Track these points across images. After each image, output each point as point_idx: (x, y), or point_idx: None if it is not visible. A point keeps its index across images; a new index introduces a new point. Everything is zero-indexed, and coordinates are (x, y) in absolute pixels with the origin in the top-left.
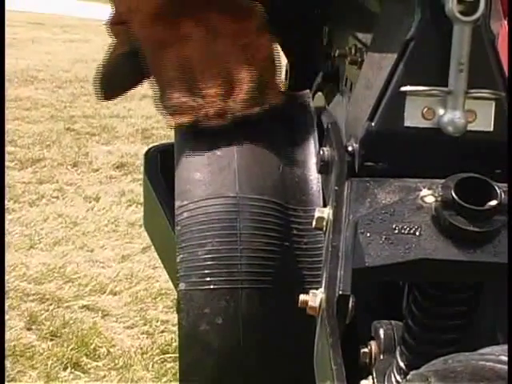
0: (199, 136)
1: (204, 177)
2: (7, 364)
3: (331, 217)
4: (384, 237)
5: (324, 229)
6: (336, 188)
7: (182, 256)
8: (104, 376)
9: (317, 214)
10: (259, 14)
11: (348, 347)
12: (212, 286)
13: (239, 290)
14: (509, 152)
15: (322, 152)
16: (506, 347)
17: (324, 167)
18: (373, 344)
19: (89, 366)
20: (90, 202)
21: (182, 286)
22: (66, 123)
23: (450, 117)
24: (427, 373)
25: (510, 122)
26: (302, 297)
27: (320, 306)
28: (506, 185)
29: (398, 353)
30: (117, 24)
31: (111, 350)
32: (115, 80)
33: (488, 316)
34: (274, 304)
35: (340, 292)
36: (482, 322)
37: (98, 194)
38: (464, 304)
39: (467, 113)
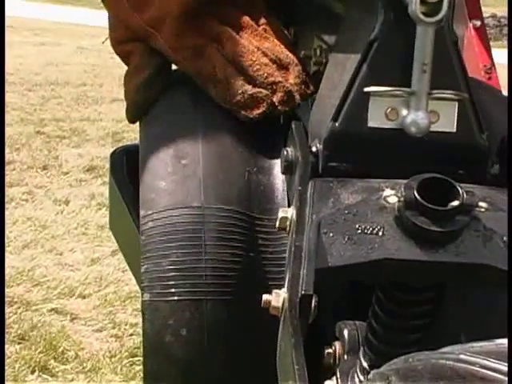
0: (164, 143)
1: (168, 185)
2: None
3: (294, 217)
4: (347, 237)
5: (288, 229)
6: (299, 188)
7: (146, 266)
8: (72, 379)
9: (280, 214)
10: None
11: (312, 348)
12: (176, 298)
13: (204, 301)
14: (509, 151)
15: (285, 152)
16: (466, 346)
17: (288, 168)
18: (337, 344)
19: (57, 369)
20: (60, 205)
21: (146, 296)
22: (36, 126)
23: (413, 117)
24: (388, 372)
25: (509, 122)
26: (265, 297)
27: (283, 305)
28: (468, 185)
29: (361, 353)
30: (127, 42)
31: (79, 353)
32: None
33: (451, 316)
34: (239, 315)
35: (303, 292)
36: (445, 323)
37: (68, 197)
38: (427, 304)
39: (430, 113)
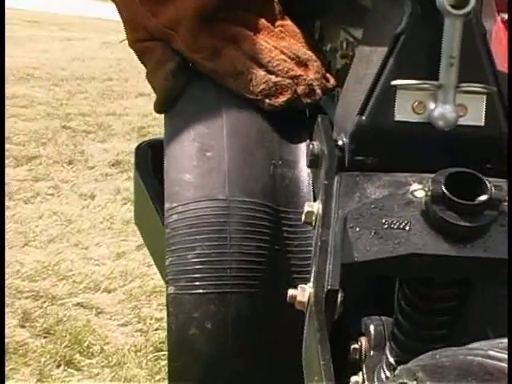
0: (188, 136)
1: (193, 178)
2: None
3: (320, 211)
4: (373, 231)
5: (313, 223)
6: (325, 182)
7: (170, 259)
8: (97, 374)
9: (306, 209)
10: (274, 3)
11: (338, 343)
12: (201, 291)
13: (229, 294)
14: (509, 151)
15: (311, 146)
16: (494, 342)
17: (313, 161)
18: (363, 340)
19: (82, 363)
20: (86, 200)
21: (170, 289)
22: (62, 121)
23: (441, 111)
24: (415, 368)
25: (510, 121)
26: (291, 291)
27: (308, 300)
28: (496, 180)
29: (387, 349)
30: (147, 41)
31: (105, 347)
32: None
33: (478, 312)
34: (263, 308)
35: (329, 287)
36: (472, 318)
37: (94, 192)
38: (453, 300)
39: (458, 107)
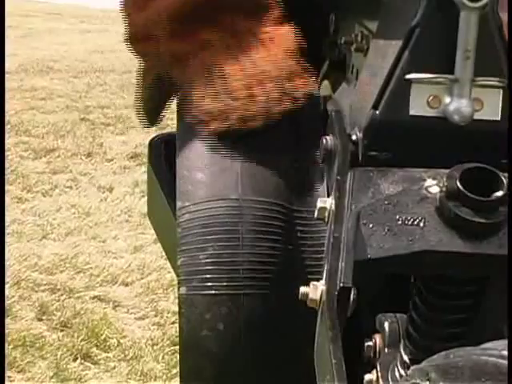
0: (201, 135)
1: (206, 177)
2: (17, 354)
3: (333, 207)
4: (387, 228)
5: (326, 219)
6: (338, 178)
7: (182, 259)
8: (114, 367)
9: (319, 204)
10: (274, 5)
11: (352, 340)
12: (213, 292)
13: (241, 295)
14: (509, 150)
15: (324, 141)
16: (506, 342)
17: (327, 156)
18: (377, 337)
19: (99, 356)
20: (104, 193)
21: (182, 290)
22: (81, 113)
23: (456, 105)
24: (428, 368)
25: (510, 121)
26: (303, 289)
27: (321, 298)
28: None
29: (401, 346)
30: (138, 41)
31: (122, 340)
32: (159, 105)
33: (493, 310)
34: (276, 309)
35: (341, 284)
36: (487, 316)
37: (112, 185)
38: (469, 297)
39: (474, 101)
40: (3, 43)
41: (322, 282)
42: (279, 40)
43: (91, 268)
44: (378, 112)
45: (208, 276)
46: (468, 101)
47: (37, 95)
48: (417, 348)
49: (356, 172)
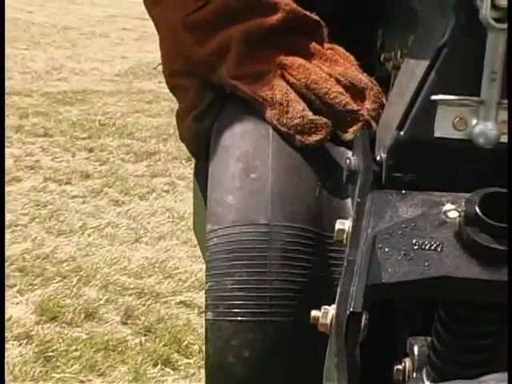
0: (233, 155)
1: (235, 200)
2: (98, 358)
3: (351, 229)
4: (403, 252)
5: (344, 241)
6: (358, 200)
7: (210, 284)
8: (193, 374)
9: (337, 226)
10: (322, 23)
11: (384, 363)
12: (240, 318)
13: (267, 322)
14: (509, 150)
15: (348, 161)
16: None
17: (350, 177)
18: (407, 361)
19: (179, 362)
20: None
21: (209, 315)
22: None
23: (482, 128)
24: None
25: (509, 123)
26: (314, 312)
27: (331, 323)
28: None
29: (424, 372)
30: (184, 75)
31: (204, 347)
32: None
33: None
34: (303, 338)
35: (351, 309)
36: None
37: None
38: (489, 324)
39: (500, 124)
40: (3, 43)
41: (334, 306)
42: (341, 54)
43: (180, 273)
44: (402, 132)
45: (234, 302)
46: (494, 123)
47: (143, 98)
48: (438, 374)
49: (375, 194)
